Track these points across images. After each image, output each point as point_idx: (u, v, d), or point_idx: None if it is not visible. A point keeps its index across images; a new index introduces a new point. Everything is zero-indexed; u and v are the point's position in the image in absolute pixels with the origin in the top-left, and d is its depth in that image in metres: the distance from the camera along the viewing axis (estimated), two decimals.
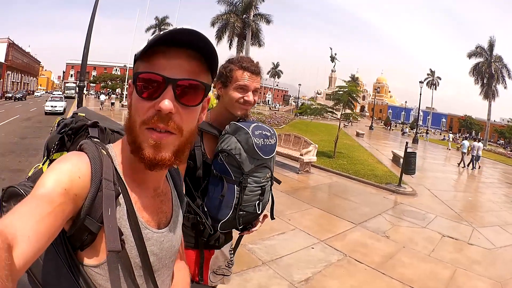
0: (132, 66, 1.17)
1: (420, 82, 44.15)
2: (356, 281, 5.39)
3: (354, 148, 23.66)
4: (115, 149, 1.18)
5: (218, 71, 1.98)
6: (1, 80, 72.68)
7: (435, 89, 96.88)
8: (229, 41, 48.11)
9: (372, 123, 58.73)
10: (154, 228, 1.19)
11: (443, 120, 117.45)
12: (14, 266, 0.70)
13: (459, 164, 25.06)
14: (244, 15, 47.62)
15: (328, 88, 78.22)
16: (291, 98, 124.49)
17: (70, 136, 1.34)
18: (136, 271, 1.11)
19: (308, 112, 23.89)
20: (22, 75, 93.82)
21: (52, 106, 36.10)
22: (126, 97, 64.55)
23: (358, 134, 35.92)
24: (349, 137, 31.89)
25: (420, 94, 44.25)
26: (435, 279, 5.71)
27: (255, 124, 2.26)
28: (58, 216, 0.87)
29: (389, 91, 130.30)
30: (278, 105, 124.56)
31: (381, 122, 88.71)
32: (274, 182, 2.48)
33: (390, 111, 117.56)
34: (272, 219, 2.65)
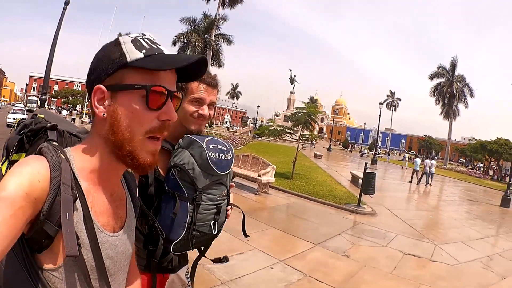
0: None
1: (380, 103, 45.44)
2: None
3: (312, 169, 23.77)
4: (74, 154, 1.16)
5: None
6: None
7: (395, 110, 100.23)
8: None
9: (330, 144, 59.55)
10: (110, 232, 1.19)
11: (402, 141, 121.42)
12: None
13: (410, 181, 25.99)
14: (206, 35, 48.34)
15: (286, 110, 79.53)
16: (249, 120, 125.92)
17: (29, 137, 1.33)
18: (92, 274, 1.10)
19: (266, 133, 24.06)
20: None
21: (14, 118, 35.44)
22: (85, 114, 64.29)
23: (316, 156, 36.31)
24: (307, 159, 32.14)
25: (380, 116, 45.55)
26: None
27: (210, 138, 2.16)
28: (19, 219, 0.88)
29: (348, 113, 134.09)
30: (236, 126, 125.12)
31: (340, 143, 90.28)
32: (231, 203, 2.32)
33: (348, 132, 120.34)
34: (246, 237, 2.62)
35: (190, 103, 2.17)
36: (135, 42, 1.10)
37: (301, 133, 18.95)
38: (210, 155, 2.01)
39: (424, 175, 25.36)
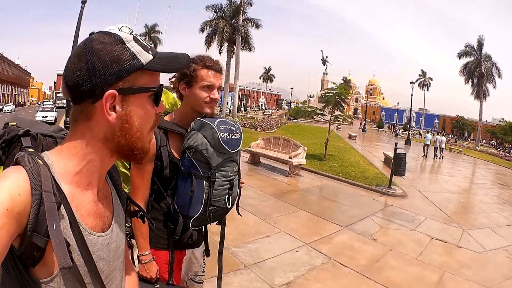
0: None
1: (411, 82, 44.21)
2: (339, 285, 5.23)
3: (345, 150, 23.46)
4: (52, 157, 1.10)
5: (182, 73, 2.31)
6: None
7: (427, 90, 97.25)
8: (219, 47, 48.17)
9: (364, 125, 58.60)
10: (99, 232, 1.16)
11: (436, 121, 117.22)
12: None
13: (424, 155, 28.36)
14: (233, 20, 47.87)
15: (320, 91, 77.90)
16: (284, 102, 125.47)
17: (4, 149, 1.27)
18: (86, 279, 1.07)
19: (298, 115, 23.89)
20: (13, 87, 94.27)
21: (43, 116, 36.99)
22: None
23: (350, 137, 35.82)
24: (341, 140, 31.84)
25: (412, 95, 44.37)
26: (422, 284, 5.52)
27: (220, 119, 2.30)
28: (3, 238, 0.86)
29: (382, 93, 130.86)
30: (271, 109, 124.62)
31: (375, 124, 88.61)
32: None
33: (383, 113, 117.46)
34: (239, 215, 2.65)
35: (202, 89, 2.30)
36: (137, 41, 1.08)
37: (332, 114, 18.69)
38: (221, 135, 2.18)
39: (435, 149, 27.46)
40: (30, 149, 1.17)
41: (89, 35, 1.08)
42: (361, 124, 59.57)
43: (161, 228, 2.39)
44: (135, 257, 2.36)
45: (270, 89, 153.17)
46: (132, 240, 2.41)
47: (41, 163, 1.03)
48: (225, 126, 2.27)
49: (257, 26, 48.77)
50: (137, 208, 1.70)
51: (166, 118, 2.47)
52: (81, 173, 1.11)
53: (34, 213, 0.95)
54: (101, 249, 1.15)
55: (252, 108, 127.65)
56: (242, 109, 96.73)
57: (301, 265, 5.66)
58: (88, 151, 1.10)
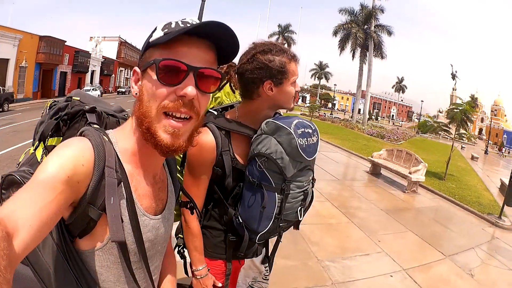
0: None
1: None
2: None
3: (466, 171, 22.19)
4: (116, 135, 1.18)
5: (259, 67, 1.92)
6: (113, 75, 76.62)
7: None
8: (352, 52, 48.06)
9: (487, 147, 54.80)
10: (151, 214, 1.21)
11: None
12: (13, 255, 0.72)
13: None
14: (365, 26, 47.38)
15: (449, 106, 72.74)
16: (414, 115, 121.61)
17: (65, 121, 1.35)
18: (131, 257, 1.13)
19: (425, 129, 23.29)
20: None
21: None
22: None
23: (472, 157, 33.64)
24: (463, 160, 30.10)
25: None
26: None
27: (297, 120, 1.97)
28: (59, 203, 0.88)
29: (505, 115, 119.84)
30: (402, 121, 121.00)
31: (497, 146, 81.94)
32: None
33: (505, 136, 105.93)
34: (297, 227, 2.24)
35: (292, 85, 2.01)
36: (166, 25, 1.10)
37: (457, 132, 17.78)
38: (299, 142, 1.86)
39: None
40: (95, 125, 1.25)
41: None
42: (486, 146, 55.95)
43: (219, 237, 2.18)
44: (188, 268, 2.22)
45: (402, 100, 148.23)
46: (184, 249, 2.24)
47: (106, 139, 1.11)
48: (303, 130, 1.93)
49: (389, 33, 48.04)
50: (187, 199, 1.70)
51: (228, 115, 2.12)
52: (137, 153, 1.17)
53: (93, 186, 1.01)
54: (150, 231, 1.19)
55: (383, 117, 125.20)
56: (373, 117, 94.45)
57: None
58: (136, 129, 1.16)
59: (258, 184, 1.91)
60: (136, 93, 1.14)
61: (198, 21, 1.10)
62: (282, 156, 1.85)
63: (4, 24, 39.28)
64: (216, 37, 1.11)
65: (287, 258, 5.87)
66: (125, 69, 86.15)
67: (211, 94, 1.25)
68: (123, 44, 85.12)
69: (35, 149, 1.35)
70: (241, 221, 2.01)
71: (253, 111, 2.07)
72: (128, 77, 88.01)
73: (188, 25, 1.08)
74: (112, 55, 78.35)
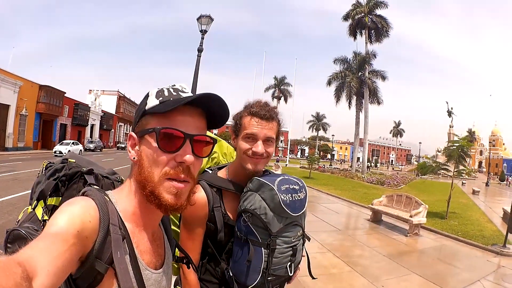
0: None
1: None
2: None
3: (467, 207, 22.12)
4: (115, 196, 1.22)
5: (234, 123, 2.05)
6: (113, 130, 76.97)
7: None
8: (348, 101, 48.93)
9: (488, 179, 54.22)
10: (153, 269, 1.24)
11: None
12: None
13: None
14: (360, 73, 48.07)
15: (446, 144, 72.92)
16: (413, 158, 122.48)
17: (64, 182, 1.41)
18: None
19: (423, 171, 23.43)
20: None
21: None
22: None
23: (474, 192, 33.46)
24: (464, 196, 30.01)
25: None
26: None
27: (281, 177, 2.03)
28: (72, 254, 0.91)
29: (503, 144, 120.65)
30: (401, 165, 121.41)
31: (497, 177, 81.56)
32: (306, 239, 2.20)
33: (505, 164, 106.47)
34: (312, 279, 2.36)
35: (244, 140, 2.02)
36: (158, 93, 1.17)
37: (456, 169, 17.83)
38: (282, 198, 1.89)
39: None
40: (95, 186, 1.29)
41: None
42: (488, 178, 55.72)
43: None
44: None
45: (400, 144, 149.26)
46: None
47: (108, 199, 1.15)
48: (288, 186, 1.98)
49: (383, 77, 48.96)
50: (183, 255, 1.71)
51: (220, 173, 2.21)
52: (137, 213, 1.22)
53: (100, 241, 1.04)
54: (153, 284, 1.23)
55: (382, 163, 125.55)
56: (372, 164, 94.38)
57: None
58: (136, 191, 1.20)
59: (245, 239, 1.94)
60: (134, 158, 1.19)
61: (187, 89, 1.22)
62: (265, 211, 1.89)
63: (4, 68, 39.95)
64: (208, 106, 1.20)
65: None
66: (124, 124, 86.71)
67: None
68: (122, 98, 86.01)
69: (33, 208, 1.39)
70: (231, 274, 2.03)
71: (236, 167, 2.15)
72: (127, 132, 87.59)
73: (180, 92, 1.19)
74: (111, 109, 78.94)
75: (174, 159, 1.13)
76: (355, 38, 51.61)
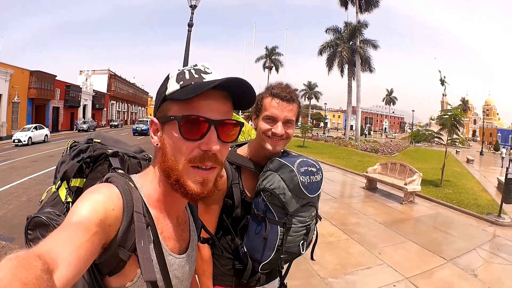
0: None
1: None
2: None
3: (462, 175, 22.18)
4: (140, 180, 1.21)
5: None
6: (105, 109, 76.59)
7: None
8: (340, 70, 48.65)
9: (482, 148, 54.53)
10: (177, 254, 1.24)
11: None
12: None
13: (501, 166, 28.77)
14: (351, 42, 47.77)
15: (440, 113, 73.01)
16: (406, 125, 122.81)
17: (88, 164, 1.39)
18: None
19: (416, 139, 23.42)
20: (129, 104, 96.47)
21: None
22: None
23: (468, 161, 33.72)
24: (459, 164, 30.19)
25: None
26: None
27: (300, 159, 2.06)
28: (94, 243, 0.90)
29: (497, 113, 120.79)
30: (395, 133, 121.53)
31: (491, 146, 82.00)
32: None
33: (499, 134, 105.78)
34: (312, 259, 2.42)
35: (264, 121, 2.05)
36: (179, 75, 1.12)
37: (449, 137, 17.85)
38: (301, 179, 1.93)
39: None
40: (120, 171, 1.29)
41: None
42: (482, 147, 55.90)
43: (227, 265, 2.25)
44: None
45: (393, 112, 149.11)
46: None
47: (132, 185, 1.14)
48: (306, 168, 2.01)
49: (375, 46, 48.70)
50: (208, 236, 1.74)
51: (240, 151, 2.27)
52: (161, 198, 1.20)
53: (123, 229, 1.03)
54: (177, 269, 1.22)
55: (376, 131, 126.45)
56: (366, 132, 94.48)
57: None
58: (159, 176, 1.18)
59: (263, 217, 1.98)
60: (157, 144, 1.16)
61: (210, 69, 1.16)
62: (284, 191, 1.94)
63: None
64: (232, 88, 1.12)
65: (291, 278, 5.80)
66: (116, 102, 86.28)
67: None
68: (112, 76, 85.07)
69: (57, 188, 1.38)
70: (245, 250, 2.08)
71: (256, 146, 2.18)
72: (120, 110, 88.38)
73: (202, 73, 1.13)
74: (103, 89, 78.49)
75: (199, 147, 1.09)
76: (346, 8, 51.28)
